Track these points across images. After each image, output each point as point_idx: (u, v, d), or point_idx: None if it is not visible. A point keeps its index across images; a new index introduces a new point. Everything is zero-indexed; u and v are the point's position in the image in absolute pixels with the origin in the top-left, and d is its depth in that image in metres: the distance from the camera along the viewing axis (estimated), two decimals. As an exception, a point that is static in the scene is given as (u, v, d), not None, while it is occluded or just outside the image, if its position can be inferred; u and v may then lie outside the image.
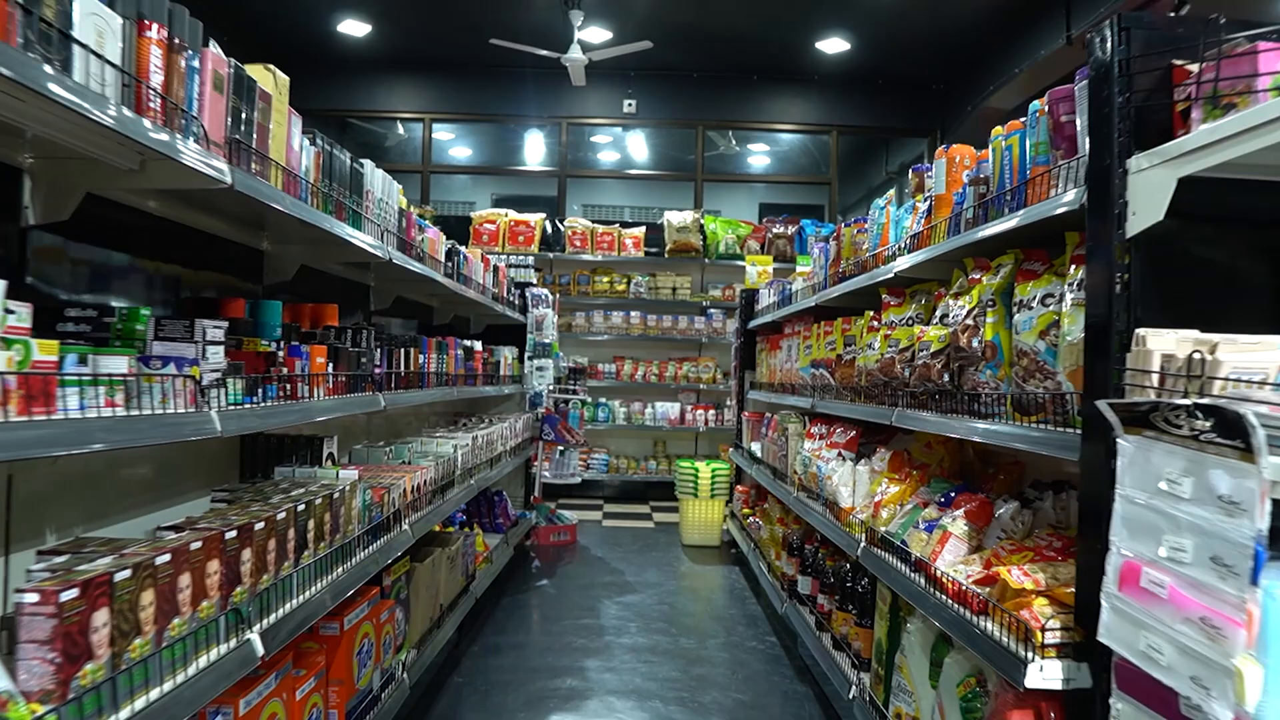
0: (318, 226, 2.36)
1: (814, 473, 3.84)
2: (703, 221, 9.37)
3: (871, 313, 3.40)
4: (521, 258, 6.50)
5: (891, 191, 3.39)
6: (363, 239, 2.80)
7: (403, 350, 3.34)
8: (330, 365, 2.57)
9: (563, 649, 4.23)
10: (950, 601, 2.16)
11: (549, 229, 9.39)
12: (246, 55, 2.17)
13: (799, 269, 5.45)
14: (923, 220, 2.86)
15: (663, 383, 9.11)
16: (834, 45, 9.18)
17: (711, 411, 9.10)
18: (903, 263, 2.90)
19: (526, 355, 6.42)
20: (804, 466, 4.05)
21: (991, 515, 2.40)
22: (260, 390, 2.08)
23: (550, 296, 6.60)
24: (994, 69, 9.05)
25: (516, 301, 6.30)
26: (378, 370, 3.03)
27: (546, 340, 6.46)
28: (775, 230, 9.41)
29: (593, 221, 9.40)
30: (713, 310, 9.25)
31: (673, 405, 9.12)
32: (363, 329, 2.88)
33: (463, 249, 4.59)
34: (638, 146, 11.45)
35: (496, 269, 5.41)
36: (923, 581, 2.38)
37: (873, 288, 3.39)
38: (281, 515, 1.94)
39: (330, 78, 9.93)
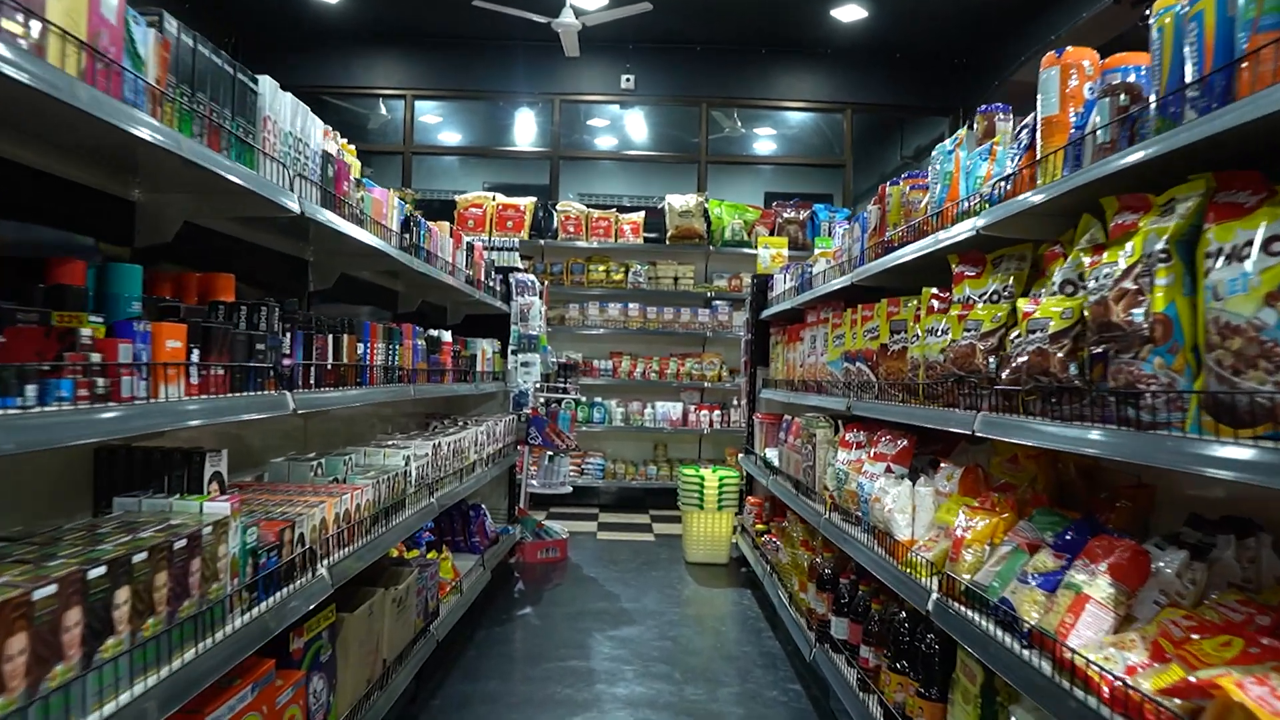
0: (157, 146, 1.60)
1: (852, 491, 3.09)
2: (707, 206, 8.62)
3: (934, 290, 2.65)
4: (506, 239, 5.79)
5: (962, 131, 2.65)
6: (255, 180, 2.04)
7: (330, 337, 2.59)
8: (199, 352, 1.82)
9: (544, 701, 3.48)
10: (1113, 716, 1.41)
11: (540, 214, 8.64)
12: (211, 27, 1.43)
13: (819, 250, 4.71)
14: (1020, 157, 2.10)
15: (663, 380, 8.36)
16: (850, 13, 8.42)
17: (717, 412, 8.35)
18: (996, 213, 2.14)
19: (510, 349, 5.68)
20: (838, 482, 3.30)
21: (1148, 570, 1.65)
22: (41, 386, 1.33)
23: (537, 284, 5.85)
24: (1025, 37, 8.30)
25: (498, 288, 5.55)
26: (288, 361, 2.28)
27: (533, 332, 5.72)
28: (786, 215, 8.65)
29: (588, 206, 8.65)
30: (718, 302, 8.50)
31: (674, 405, 8.37)
32: (261, 306, 2.12)
33: (426, 221, 3.84)
34: (636, 127, 10.69)
35: (471, 248, 4.66)
36: (1048, 669, 1.63)
37: (935, 258, 2.64)
38: (42, 594, 1.19)
39: (302, 51, 9.18)
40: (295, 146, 2.32)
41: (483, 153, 10.24)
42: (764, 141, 11.98)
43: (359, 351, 2.84)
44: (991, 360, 2.20)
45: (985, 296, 2.31)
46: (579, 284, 8.45)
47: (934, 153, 2.70)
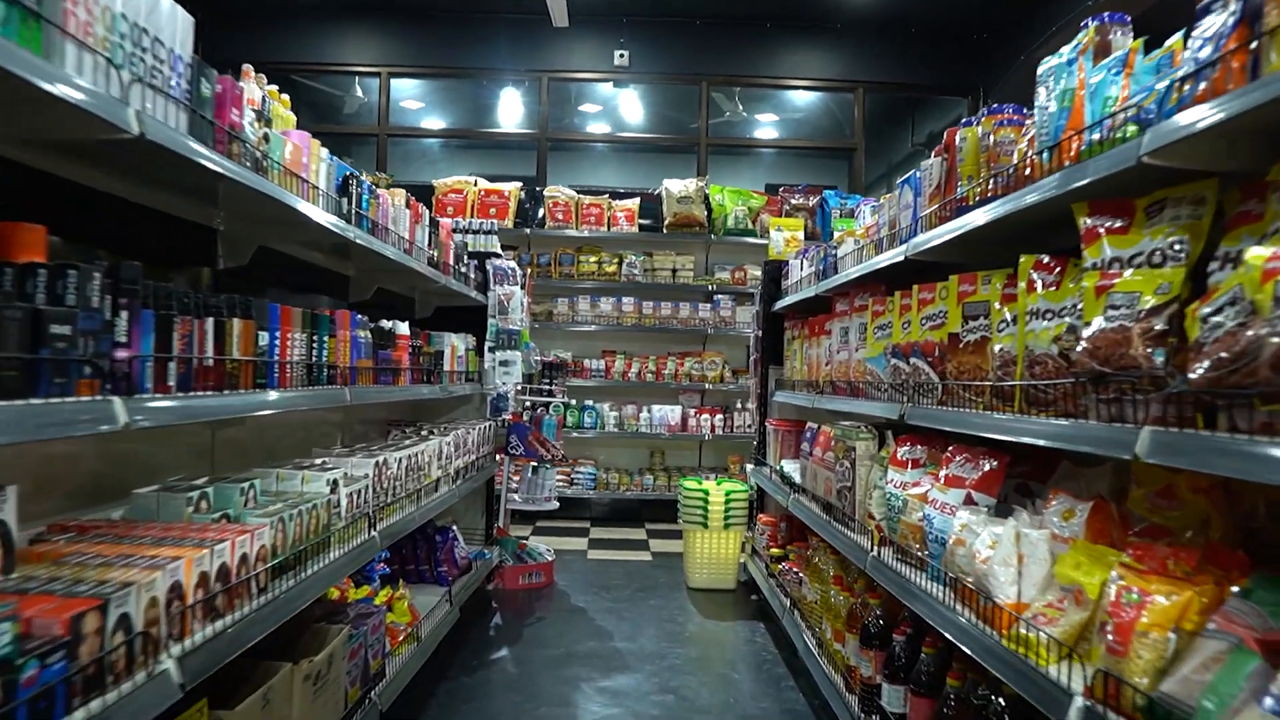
0: None
1: (915, 525, 2.38)
2: (708, 191, 7.91)
3: (1045, 259, 1.94)
4: (484, 221, 5.08)
5: (1087, 34, 1.92)
6: (38, 71, 1.32)
7: (210, 321, 1.86)
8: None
9: (517, 785, 2.76)
10: None
11: (526, 201, 7.92)
12: None
13: (841, 232, 4.00)
14: (1222, 41, 1.38)
15: (661, 382, 7.65)
16: (864, -19, 7.73)
17: (719, 416, 7.64)
18: (1172, 131, 1.42)
19: (487, 346, 4.95)
20: (889, 510, 2.58)
21: None
22: None
23: (519, 272, 5.13)
24: (1051, 10, 7.61)
25: (472, 275, 4.82)
26: (123, 354, 1.55)
27: (513, 326, 4.99)
28: (794, 201, 7.95)
29: (578, 192, 7.92)
30: (720, 296, 7.78)
31: (673, 408, 7.65)
32: (69, 270, 1.40)
33: (372, 184, 3.11)
34: (631, 108, 9.95)
35: (436, 224, 3.93)
36: None
37: (1036, 217, 1.93)
38: None
39: (269, 25, 8.43)
40: (136, 40, 1.59)
41: (465, 135, 9.52)
42: (766, 129, 11.28)
43: (261, 343, 2.11)
44: (1156, 351, 1.49)
45: (1140, 259, 1.59)
46: (568, 276, 7.73)
47: (1041, 71, 1.98)
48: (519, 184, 7.92)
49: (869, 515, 2.81)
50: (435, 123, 11.06)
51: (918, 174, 2.84)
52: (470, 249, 5.13)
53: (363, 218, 2.94)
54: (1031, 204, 1.90)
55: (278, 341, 2.21)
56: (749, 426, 7.72)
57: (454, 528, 4.47)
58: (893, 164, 11.30)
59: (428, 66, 8.77)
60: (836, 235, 4.14)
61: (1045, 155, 1.90)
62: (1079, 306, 1.71)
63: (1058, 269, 1.90)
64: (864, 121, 8.85)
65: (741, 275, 7.81)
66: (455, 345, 4.33)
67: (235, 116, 1.97)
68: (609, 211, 7.85)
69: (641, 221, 7.89)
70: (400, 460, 3.09)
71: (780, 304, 4.92)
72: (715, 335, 7.79)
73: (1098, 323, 1.62)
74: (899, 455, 2.67)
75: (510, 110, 9.88)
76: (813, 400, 3.86)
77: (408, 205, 3.48)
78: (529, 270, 5.43)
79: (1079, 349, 1.66)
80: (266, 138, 2.15)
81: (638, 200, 7.94)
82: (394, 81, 9.16)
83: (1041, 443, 1.80)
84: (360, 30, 8.62)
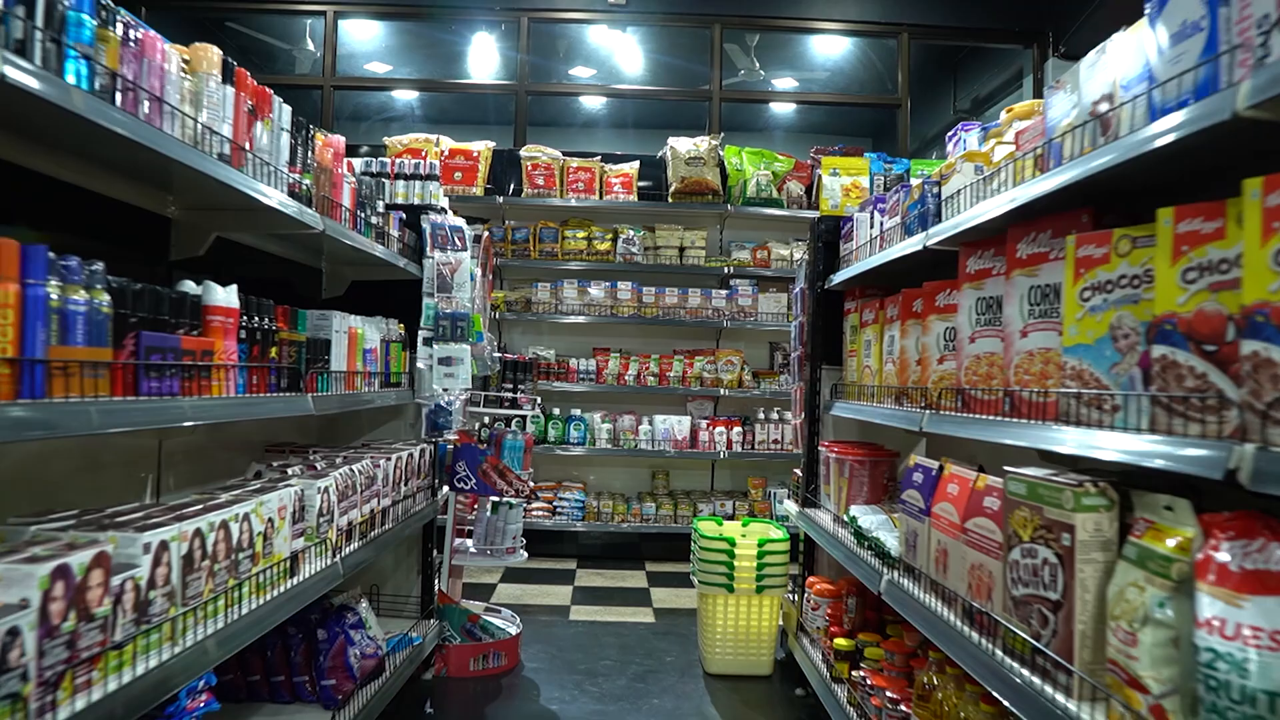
0: None
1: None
2: (722, 153, 6.43)
3: None
4: (417, 163, 3.60)
5: None
6: None
7: None
8: None
9: None
10: None
11: (500, 164, 6.44)
12: None
13: (946, 164, 2.55)
14: None
15: (665, 386, 6.17)
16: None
17: (737, 429, 6.15)
18: None
19: (421, 336, 3.46)
20: (1218, 685, 1.10)
21: None
22: None
23: (468, 232, 3.64)
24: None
25: (397, 234, 3.33)
26: None
27: (460, 309, 3.50)
28: (829, 164, 6.47)
29: (565, 154, 6.45)
30: (738, 281, 6.31)
31: (679, 419, 6.17)
32: None
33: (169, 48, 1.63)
34: (630, 60, 8.46)
35: (303, 128, 2.43)
36: None
37: None
38: None
39: (189, -50, 6.96)
40: None
41: (429, 86, 8.00)
42: (785, 98, 9.80)
43: None
44: None
45: None
46: (551, 255, 6.25)
47: None
48: (490, 143, 6.44)
49: (1123, 672, 1.33)
50: (406, 94, 9.58)
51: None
52: (400, 201, 3.64)
53: (119, 86, 1.45)
54: None
55: None
56: (774, 442, 6.25)
57: (360, 606, 2.98)
58: (926, 138, 9.82)
59: (382, 4, 7.29)
60: (946, 164, 2.66)
61: None
62: None
63: None
64: (908, 72, 7.36)
65: (764, 255, 6.34)
66: (359, 332, 2.85)
67: None
68: (602, 177, 6.38)
69: (643, 189, 6.41)
70: (179, 546, 1.60)
71: (840, 277, 3.43)
72: (732, 329, 6.31)
73: None
74: (1228, 562, 1.18)
75: (485, 65, 8.39)
76: (919, 419, 2.36)
77: (231, 81, 1.99)
78: (485, 234, 3.93)
79: None
80: None
81: (636, 164, 6.46)
82: (348, 28, 7.69)
83: None
84: (302, -40, 7.15)
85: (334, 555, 2.39)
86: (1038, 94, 7.23)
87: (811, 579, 3.47)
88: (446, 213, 3.67)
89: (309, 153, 2.43)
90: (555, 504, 6.00)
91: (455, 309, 3.51)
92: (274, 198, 2.15)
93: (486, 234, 3.90)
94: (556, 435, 6.06)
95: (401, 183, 3.65)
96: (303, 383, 2.37)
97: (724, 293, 6.24)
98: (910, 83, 7.33)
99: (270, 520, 1.97)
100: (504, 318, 6.15)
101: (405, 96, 9.67)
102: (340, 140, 2.67)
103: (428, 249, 3.52)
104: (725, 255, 6.49)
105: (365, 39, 8.43)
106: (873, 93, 8.76)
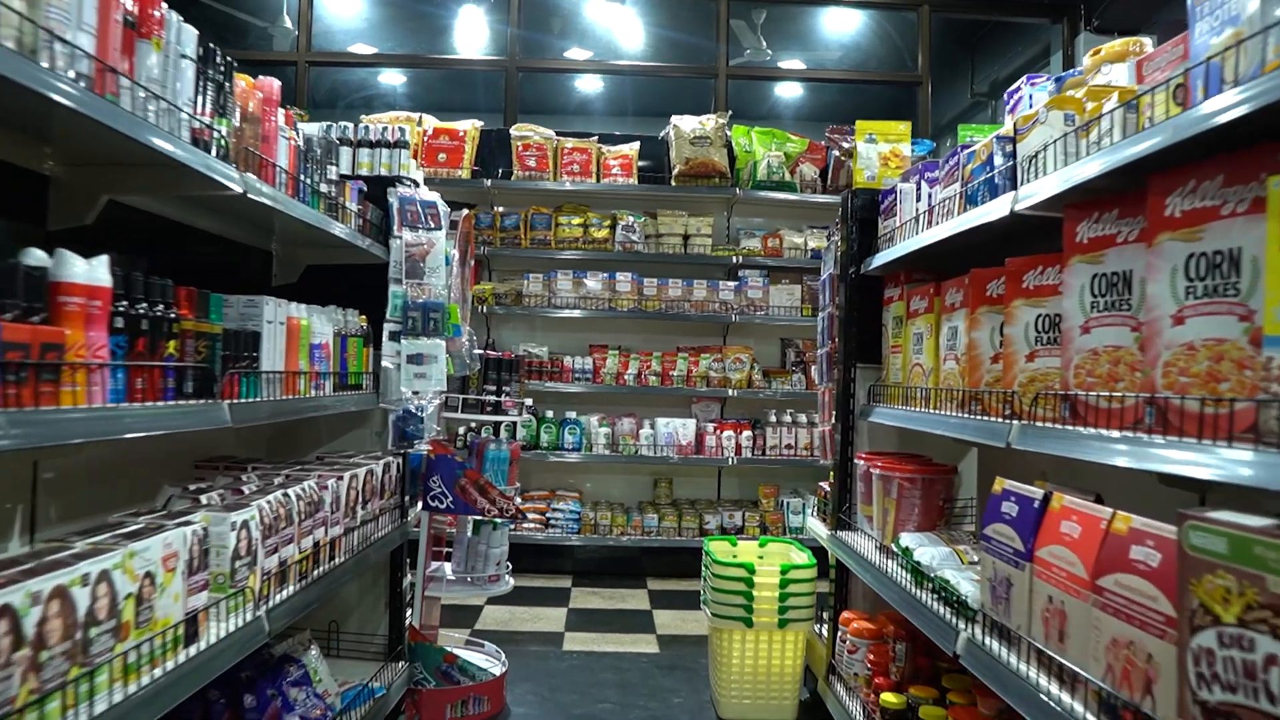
0: None
1: None
2: (730, 133, 5.92)
3: None
4: (385, 128, 3.09)
5: None
6: None
7: None
8: None
9: None
10: None
11: (488, 145, 5.91)
12: None
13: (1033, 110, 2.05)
14: None
15: (668, 386, 5.65)
16: None
17: (746, 433, 5.64)
18: None
19: (387, 330, 2.93)
20: None
21: None
22: None
23: (444, 209, 3.12)
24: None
25: (356, 208, 2.81)
26: None
27: (434, 298, 2.98)
28: (847, 144, 5.95)
29: (559, 134, 5.92)
30: (747, 271, 5.79)
31: (684, 422, 5.65)
32: None
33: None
34: (628, 33, 7.92)
35: (224, 66, 1.90)
36: None
37: None
38: None
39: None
40: None
41: (412, 62, 7.46)
42: (791, 85, 9.30)
43: None
44: None
45: None
46: (543, 244, 5.73)
47: None
48: (478, 122, 5.92)
49: None
50: (392, 79, 9.01)
51: None
52: (364, 173, 3.12)
53: None
54: None
55: None
56: (787, 447, 5.74)
57: (307, 655, 2.46)
58: (941, 123, 9.30)
59: (363, -25, 6.76)
60: (1026, 114, 2.15)
61: None
62: None
63: None
64: (930, 49, 6.84)
65: (776, 243, 5.82)
66: (303, 324, 2.32)
67: None
68: (599, 159, 5.85)
69: (643, 171, 5.88)
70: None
71: (881, 259, 2.92)
72: (741, 323, 5.79)
73: None
74: None
75: (474, 39, 7.85)
76: (1003, 431, 1.84)
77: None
78: (465, 213, 3.40)
79: None
80: None
81: (637, 145, 5.94)
82: (326, 2, 7.16)
83: None
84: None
85: (257, 608, 1.87)
86: (1068, 64, 6.71)
87: (847, 615, 2.95)
88: (419, 186, 3.15)
89: (226, 94, 1.90)
90: (548, 516, 5.48)
91: (427, 298, 2.99)
92: (166, 143, 1.62)
93: (467, 212, 3.37)
94: (549, 440, 5.54)
95: (365, 151, 3.13)
96: (217, 387, 1.85)
97: (732, 284, 5.72)
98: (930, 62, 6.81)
99: (149, 575, 1.45)
100: (493, 312, 5.64)
101: (391, 81, 9.12)
102: (273, 84, 2.14)
103: (395, 227, 3.00)
104: (733, 244, 5.98)
105: (346, 16, 7.90)
106: (890, 72, 8.24)
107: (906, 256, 2.73)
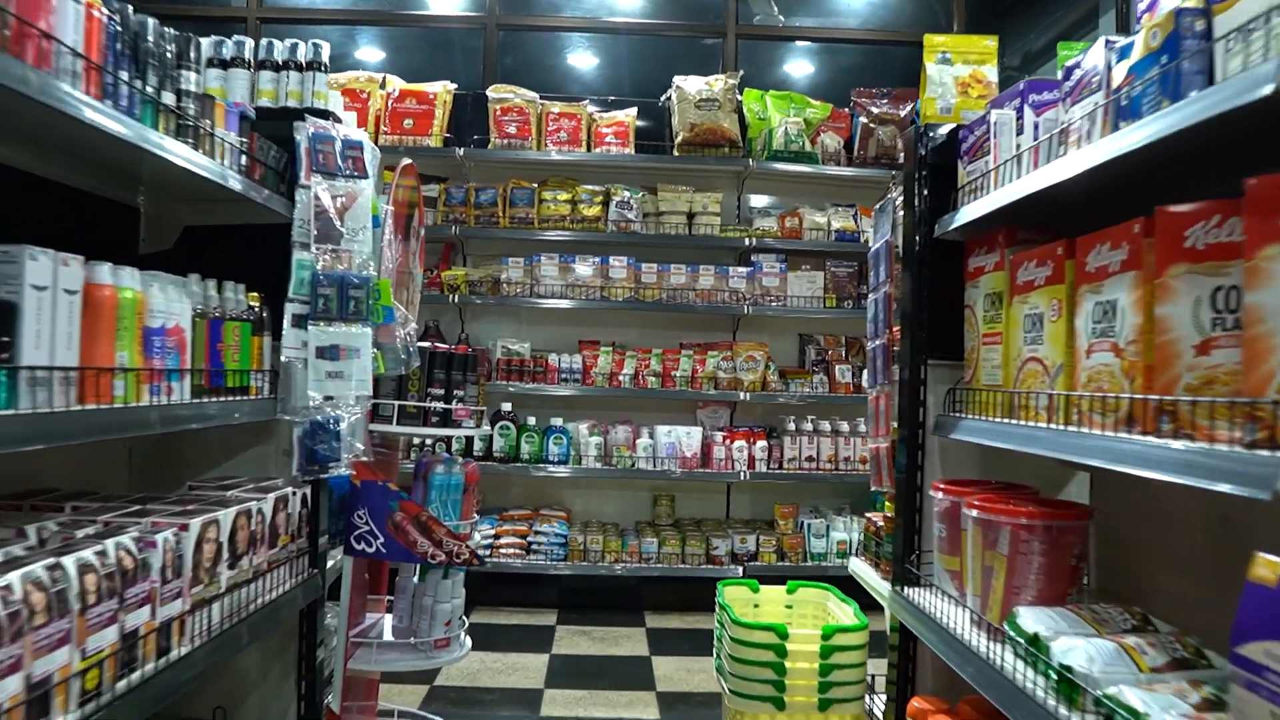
0: None
1: None
2: (741, 98, 5.13)
3: None
4: (291, 46, 2.34)
5: None
6: None
7: None
8: None
9: None
10: None
11: (463, 110, 5.12)
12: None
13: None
14: None
15: (670, 389, 4.85)
16: None
17: (760, 443, 4.85)
18: None
19: (289, 313, 2.14)
20: None
21: None
22: None
23: (372, 150, 2.33)
24: None
25: (236, 141, 2.01)
26: None
27: (356, 272, 2.18)
28: (876, 110, 5.17)
29: (543, 97, 5.13)
30: (762, 256, 5.00)
31: (688, 430, 4.86)
32: None
33: None
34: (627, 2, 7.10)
35: None
36: None
37: None
38: None
39: None
40: None
41: (377, 20, 6.60)
42: (806, 55, 8.47)
43: None
44: None
45: None
46: (525, 223, 4.94)
47: None
48: (451, 84, 5.12)
49: None
50: (371, 54, 8.16)
51: None
52: (266, 103, 2.32)
53: None
54: None
55: None
56: (808, 460, 4.94)
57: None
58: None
59: (323, -80, 5.95)
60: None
61: None
62: None
63: None
64: (965, 7, 6.05)
65: (794, 224, 5.03)
66: (129, 297, 1.53)
67: None
68: (590, 125, 5.06)
69: (641, 140, 5.09)
70: None
71: (970, 214, 2.11)
72: (754, 316, 4.99)
73: None
74: None
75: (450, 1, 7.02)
76: (1273, 469, 1.05)
77: None
78: (406, 162, 2.60)
79: None
80: None
81: (634, 110, 5.15)
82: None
83: None
84: None
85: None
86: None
87: (920, 706, 2.15)
88: (336, 121, 2.35)
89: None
90: (530, 540, 4.68)
91: (346, 269, 2.19)
92: None
93: (408, 162, 2.57)
94: (531, 452, 4.74)
95: (267, 75, 2.32)
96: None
97: (744, 270, 4.93)
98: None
99: None
100: (467, 302, 4.84)
101: (366, 57, 8.30)
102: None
103: (302, 174, 2.20)
104: (745, 224, 5.18)
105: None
106: (916, 32, 7.42)
107: (1007, 209, 1.93)
